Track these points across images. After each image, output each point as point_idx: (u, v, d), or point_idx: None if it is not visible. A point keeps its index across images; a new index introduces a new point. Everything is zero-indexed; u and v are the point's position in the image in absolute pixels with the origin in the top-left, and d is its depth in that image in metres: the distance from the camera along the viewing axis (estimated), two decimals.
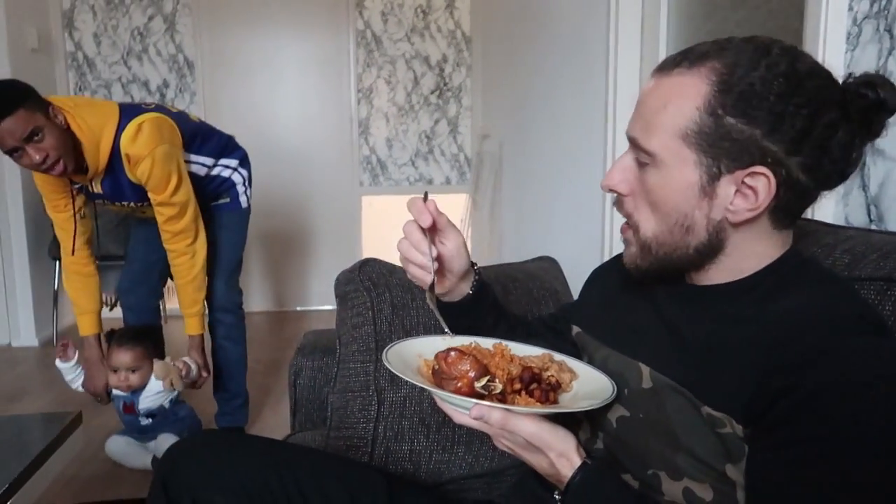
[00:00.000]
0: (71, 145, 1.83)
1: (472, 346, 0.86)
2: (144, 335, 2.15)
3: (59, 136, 1.79)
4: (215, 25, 4.02)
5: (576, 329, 0.94)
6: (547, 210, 3.11)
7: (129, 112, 1.91)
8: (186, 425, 2.21)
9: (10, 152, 1.77)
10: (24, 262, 3.51)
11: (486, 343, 0.88)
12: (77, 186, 2.02)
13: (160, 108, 2.00)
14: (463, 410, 0.72)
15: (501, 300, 1.28)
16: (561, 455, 0.72)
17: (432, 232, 0.87)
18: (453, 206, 4.42)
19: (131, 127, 1.86)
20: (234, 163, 2.25)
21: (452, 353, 0.77)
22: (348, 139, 4.26)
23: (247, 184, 2.31)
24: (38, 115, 1.74)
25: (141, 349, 2.09)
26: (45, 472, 1.20)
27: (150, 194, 1.96)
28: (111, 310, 4.07)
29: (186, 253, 2.06)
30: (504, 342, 0.88)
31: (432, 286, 0.86)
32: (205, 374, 2.20)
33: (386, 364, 0.78)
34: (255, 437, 0.96)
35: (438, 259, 0.88)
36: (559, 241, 2.89)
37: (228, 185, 2.25)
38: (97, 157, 1.88)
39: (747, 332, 0.70)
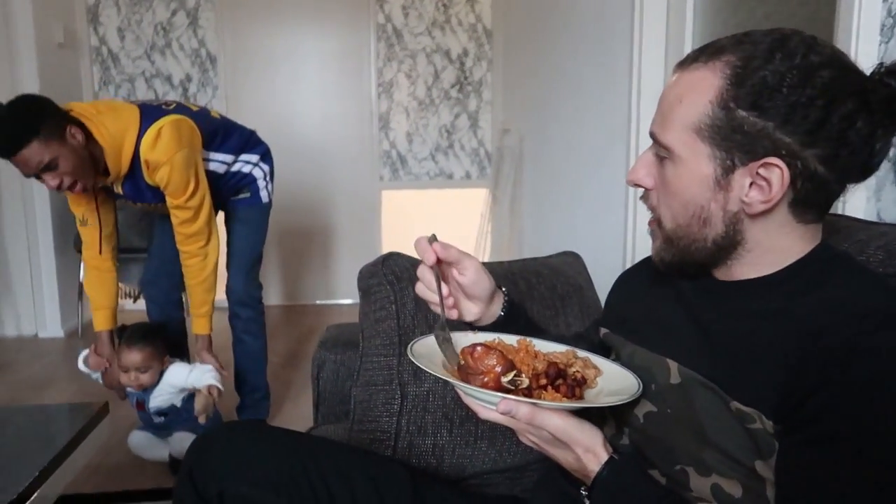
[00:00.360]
0: (89, 162, 1.84)
1: (496, 341, 0.86)
2: (154, 334, 2.12)
3: (75, 159, 1.79)
4: (237, 20, 4.05)
5: (603, 330, 0.94)
6: (568, 205, 3.09)
7: (149, 115, 1.91)
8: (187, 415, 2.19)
9: (29, 176, 1.81)
10: (51, 255, 3.56)
11: (510, 339, 0.88)
12: (102, 186, 2.04)
13: (181, 108, 2.00)
14: (489, 405, 0.72)
15: (525, 296, 1.28)
16: (587, 450, 0.72)
17: (444, 268, 0.89)
18: (473, 201, 4.41)
19: (151, 132, 1.86)
20: (254, 158, 2.26)
21: (478, 349, 0.77)
22: (368, 134, 4.27)
23: (268, 178, 2.32)
24: (53, 144, 1.74)
25: (150, 349, 2.07)
26: (74, 461, 1.21)
27: (167, 197, 1.98)
28: (135, 302, 4.13)
29: (198, 255, 2.08)
30: (528, 338, 0.88)
31: (441, 324, 0.86)
32: (223, 372, 2.18)
33: (411, 358, 0.78)
34: (280, 429, 0.97)
35: (461, 289, 0.90)
36: (581, 237, 2.87)
37: (249, 180, 2.26)
38: (119, 162, 1.89)
39: (777, 326, 0.69)
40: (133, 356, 2.04)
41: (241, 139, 2.22)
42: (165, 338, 2.16)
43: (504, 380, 0.74)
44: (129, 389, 2.14)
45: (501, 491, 1.13)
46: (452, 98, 4.32)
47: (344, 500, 0.89)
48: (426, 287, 0.89)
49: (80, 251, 3.60)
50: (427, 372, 0.76)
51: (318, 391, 1.41)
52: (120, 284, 4.15)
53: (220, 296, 2.40)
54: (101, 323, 2.18)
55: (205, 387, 2.04)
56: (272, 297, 2.38)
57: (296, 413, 2.62)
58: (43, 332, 3.63)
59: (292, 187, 4.15)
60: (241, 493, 0.87)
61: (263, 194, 2.30)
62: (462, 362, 0.79)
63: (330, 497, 0.88)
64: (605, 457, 0.72)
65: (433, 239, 0.88)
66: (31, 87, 3.39)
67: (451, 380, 0.76)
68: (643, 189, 0.82)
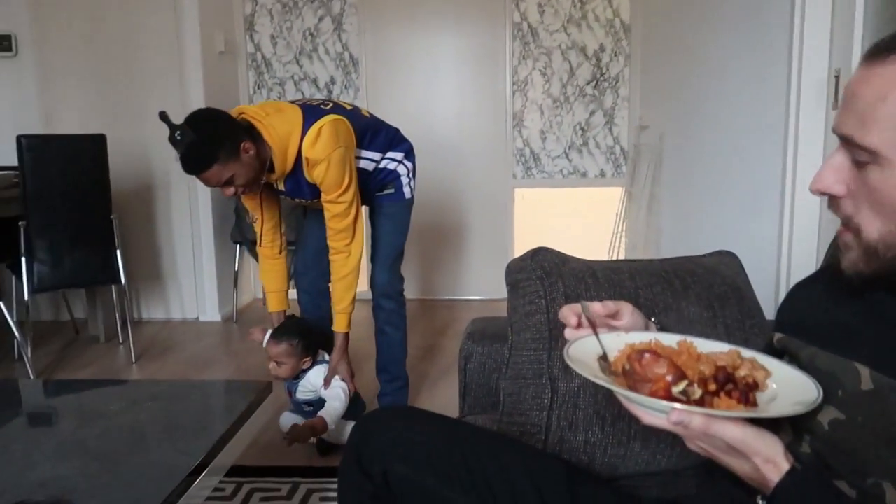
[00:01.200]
0: (259, 168, 2.01)
1: (653, 343, 0.84)
2: (297, 333, 2.20)
3: (248, 172, 1.96)
4: (378, 23, 4.21)
5: (777, 335, 0.88)
6: (714, 205, 2.95)
7: (310, 115, 2.04)
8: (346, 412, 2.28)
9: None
10: (211, 246, 3.88)
11: (669, 339, 0.85)
12: (263, 182, 2.20)
13: (336, 108, 2.13)
14: (660, 414, 0.70)
15: (680, 296, 1.23)
16: (767, 460, 0.69)
17: (598, 324, 0.89)
18: (607, 199, 4.32)
19: (312, 131, 2.00)
20: (399, 155, 2.35)
21: (647, 356, 0.75)
22: (502, 132, 4.29)
23: (411, 175, 2.40)
24: (231, 164, 1.91)
25: (287, 345, 2.16)
26: (244, 434, 1.32)
27: (322, 193, 2.10)
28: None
29: (343, 252, 2.17)
30: (688, 338, 0.85)
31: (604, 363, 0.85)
32: (350, 388, 2.22)
33: (568, 363, 0.78)
34: (439, 415, 1.00)
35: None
36: (727, 238, 2.73)
37: (393, 176, 2.35)
38: (284, 161, 2.04)
39: None
40: (273, 348, 2.17)
41: (387, 137, 2.32)
42: (310, 339, 2.22)
43: (675, 390, 0.72)
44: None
45: (654, 494, 1.10)
46: (588, 95, 4.25)
47: (501, 489, 0.91)
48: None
49: (237, 242, 3.92)
50: (586, 378, 0.75)
51: (464, 382, 1.44)
52: None
53: (364, 288, 2.51)
54: (273, 305, 2.36)
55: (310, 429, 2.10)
56: (408, 290, 2.47)
57: (433, 403, 2.69)
58: (203, 315, 3.97)
59: (427, 184, 4.25)
60: (404, 474, 0.91)
61: (406, 190, 2.38)
62: (627, 367, 0.78)
63: (487, 484, 0.90)
64: (786, 466, 0.68)
65: (584, 309, 0.89)
66: (197, 91, 3.71)
67: (615, 388, 0.74)
68: (830, 196, 0.75)
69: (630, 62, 4.18)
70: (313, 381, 2.20)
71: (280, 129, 2.00)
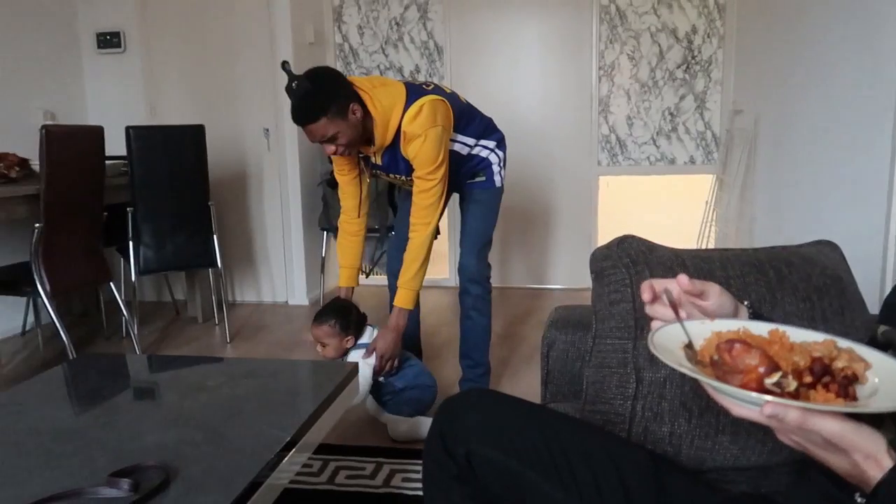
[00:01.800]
0: (361, 134, 2.08)
1: (742, 331, 0.81)
2: (334, 312, 2.25)
3: (352, 133, 2.04)
4: (463, 10, 4.21)
5: (883, 328, 0.83)
6: (812, 193, 2.80)
7: (413, 93, 2.11)
8: (405, 397, 2.30)
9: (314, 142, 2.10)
10: (300, 233, 4.03)
11: (759, 328, 0.82)
12: (362, 156, 2.26)
13: (437, 90, 2.18)
14: (751, 406, 0.68)
15: (776, 287, 1.19)
16: (868, 456, 0.65)
17: (682, 303, 0.85)
18: (697, 187, 4.18)
19: (414, 107, 2.07)
20: (492, 144, 2.38)
21: (737, 345, 0.73)
22: (587, 117, 4.22)
23: (502, 164, 2.42)
24: (338, 121, 1.99)
25: (327, 326, 2.21)
26: (332, 412, 1.38)
27: (415, 168, 2.15)
28: (367, 277, 4.52)
29: (419, 229, 2.21)
30: (781, 327, 0.81)
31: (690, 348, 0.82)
32: (376, 366, 2.21)
33: (653, 351, 0.76)
34: (524, 400, 1.01)
35: (705, 314, 0.86)
36: (827, 228, 2.59)
37: (485, 164, 2.38)
38: (385, 133, 2.11)
39: None
40: (315, 330, 2.25)
41: (481, 124, 2.35)
42: (349, 318, 2.25)
43: (769, 381, 0.69)
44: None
45: (743, 489, 1.07)
46: (678, 79, 4.11)
47: (584, 476, 0.90)
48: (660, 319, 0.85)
49: (324, 229, 4.04)
50: (672, 368, 0.73)
51: (547, 369, 1.44)
52: None
53: (448, 275, 2.55)
54: (344, 280, 2.44)
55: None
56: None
57: (513, 390, 2.67)
58: (292, 299, 4.13)
59: (510, 171, 4.23)
60: (487, 456, 0.93)
61: (497, 178, 2.41)
62: (715, 357, 0.75)
63: (571, 471, 0.90)
64: (889, 463, 0.65)
65: (668, 293, 0.85)
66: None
67: (703, 377, 0.72)
68: None
69: (724, 44, 4.01)
70: (352, 360, 2.23)
71: (384, 101, 2.08)
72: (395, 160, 2.20)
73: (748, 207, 3.59)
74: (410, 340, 2.58)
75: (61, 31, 3.92)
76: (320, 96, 1.97)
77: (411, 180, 2.22)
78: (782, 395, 0.68)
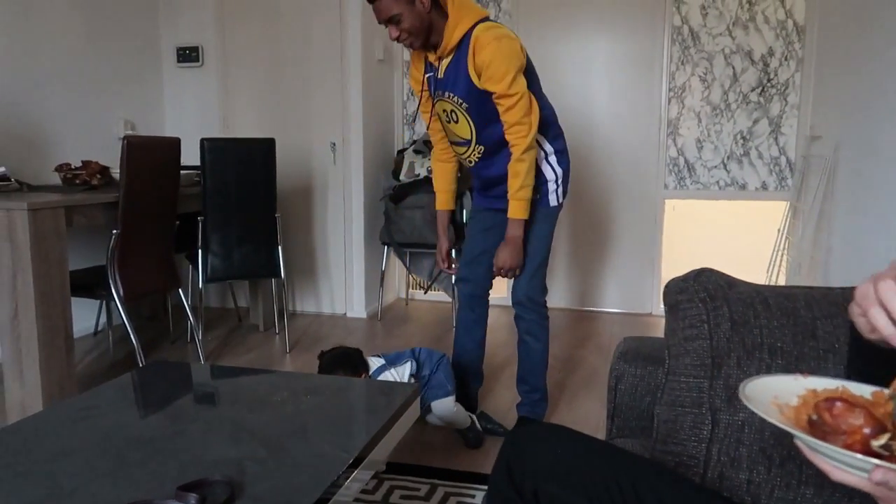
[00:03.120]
0: (426, 27, 2.12)
1: (840, 390, 0.75)
2: (339, 363, 2.18)
3: (416, 21, 2.09)
4: (532, 27, 4.19)
5: None
6: None
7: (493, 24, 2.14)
8: (434, 383, 2.29)
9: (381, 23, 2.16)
10: (361, 246, 4.07)
11: (857, 388, 0.76)
12: (428, 76, 2.26)
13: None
14: (854, 471, 0.63)
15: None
16: None
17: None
18: (768, 214, 4.03)
19: (489, 22, 2.13)
20: (549, 149, 2.31)
21: (838, 404, 0.68)
22: (655, 140, 4.13)
23: (559, 182, 2.33)
24: (402, 4, 2.06)
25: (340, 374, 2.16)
26: (396, 431, 1.37)
27: (488, 86, 2.10)
28: (426, 293, 4.53)
29: (516, 142, 2.16)
30: (883, 389, 0.76)
31: None
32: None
33: (746, 403, 0.72)
34: (595, 439, 0.97)
35: None
36: None
37: (541, 181, 2.30)
38: (452, 33, 2.12)
39: None
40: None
41: (547, 119, 2.30)
42: (351, 363, 2.20)
43: (875, 444, 0.64)
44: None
45: None
46: (752, 102, 3.98)
47: None
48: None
49: (385, 244, 4.07)
50: (761, 418, 0.69)
51: (614, 402, 1.40)
52: (412, 276, 4.58)
53: (502, 294, 2.50)
54: (441, 203, 2.55)
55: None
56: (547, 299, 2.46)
57: (572, 416, 2.64)
58: (350, 311, 4.17)
59: (573, 190, 4.19)
60: (557, 495, 0.90)
61: (552, 198, 2.32)
62: (814, 417, 0.70)
63: None
64: None
65: None
66: (356, 98, 3.91)
67: (804, 436, 0.67)
68: None
69: (802, 67, 3.87)
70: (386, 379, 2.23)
71: (463, 6, 2.12)
72: (457, 75, 2.16)
73: (824, 237, 3.44)
74: (472, 364, 2.55)
75: (144, 46, 4.09)
76: None
77: (465, 107, 2.17)
78: (891, 458, 0.63)
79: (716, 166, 4.09)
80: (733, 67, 3.98)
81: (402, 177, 3.97)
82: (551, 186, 2.32)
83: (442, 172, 2.53)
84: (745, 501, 1.04)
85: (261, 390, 1.54)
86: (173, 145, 2.87)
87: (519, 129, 2.15)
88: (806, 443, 0.67)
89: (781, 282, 3.85)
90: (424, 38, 2.15)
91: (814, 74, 3.80)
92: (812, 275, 3.54)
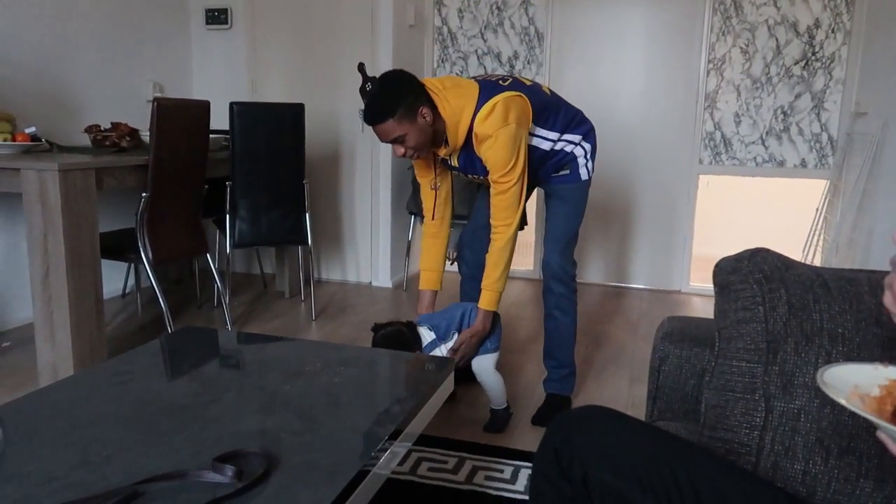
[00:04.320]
0: (431, 137, 2.05)
1: None
2: (394, 342, 2.12)
3: (421, 136, 2.01)
4: None
5: None
6: None
7: (487, 92, 2.04)
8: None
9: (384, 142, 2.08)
10: (388, 215, 4.03)
11: None
12: (441, 158, 2.22)
13: (516, 84, 2.10)
14: None
15: None
16: None
17: None
18: (807, 192, 3.92)
19: (486, 108, 2.01)
20: (577, 138, 2.26)
21: None
22: (692, 113, 4.01)
23: (588, 156, 2.30)
24: (405, 124, 1.98)
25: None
26: (432, 405, 1.34)
27: (487, 167, 2.08)
28: (451, 264, 4.49)
29: (499, 231, 2.14)
30: None
31: None
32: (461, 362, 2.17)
33: (827, 392, 0.67)
34: (645, 423, 0.93)
35: None
36: None
37: (569, 158, 2.27)
38: (456, 135, 2.07)
39: None
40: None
41: (566, 117, 2.24)
42: (407, 345, 2.14)
43: None
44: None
45: None
46: (795, 76, 3.84)
47: None
48: None
49: (412, 213, 4.03)
50: (854, 412, 0.64)
51: (657, 384, 1.35)
52: None
53: (533, 267, 2.46)
54: (424, 283, 2.38)
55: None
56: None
57: (601, 392, 2.61)
58: (376, 281, 4.15)
59: (605, 164, 4.11)
60: (606, 481, 0.86)
61: (583, 171, 2.30)
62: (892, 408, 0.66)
63: None
64: None
65: None
66: (386, 63, 3.83)
67: (889, 426, 0.63)
68: None
69: (850, 40, 3.72)
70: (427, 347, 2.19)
71: (455, 102, 2.03)
72: (472, 161, 2.14)
73: (866, 218, 3.33)
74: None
75: (173, 7, 4.04)
76: (388, 98, 1.97)
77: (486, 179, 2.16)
78: None
79: (753, 142, 3.96)
80: (776, 39, 3.83)
81: None
82: (581, 161, 2.30)
83: (432, 250, 2.38)
84: (800, 493, 1.00)
85: (293, 360, 1.51)
86: (203, 108, 2.84)
87: (507, 215, 2.12)
88: (892, 434, 0.63)
89: (817, 262, 3.75)
90: (431, 147, 2.10)
91: (862, 48, 3.65)
92: (850, 256, 3.44)
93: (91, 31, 3.49)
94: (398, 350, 2.06)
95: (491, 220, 2.17)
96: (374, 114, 1.99)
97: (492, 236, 2.18)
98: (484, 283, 2.19)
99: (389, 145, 2.12)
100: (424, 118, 2.00)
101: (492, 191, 2.13)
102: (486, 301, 2.18)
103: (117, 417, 1.17)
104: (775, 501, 0.84)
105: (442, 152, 2.16)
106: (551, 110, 2.20)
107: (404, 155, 2.07)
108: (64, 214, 2.32)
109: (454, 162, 2.20)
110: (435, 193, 2.33)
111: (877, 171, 3.25)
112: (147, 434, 1.11)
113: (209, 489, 0.93)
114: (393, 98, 1.98)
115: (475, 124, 2.03)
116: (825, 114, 3.83)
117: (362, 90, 2.01)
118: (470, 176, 2.25)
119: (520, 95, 2.06)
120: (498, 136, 2.00)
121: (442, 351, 2.21)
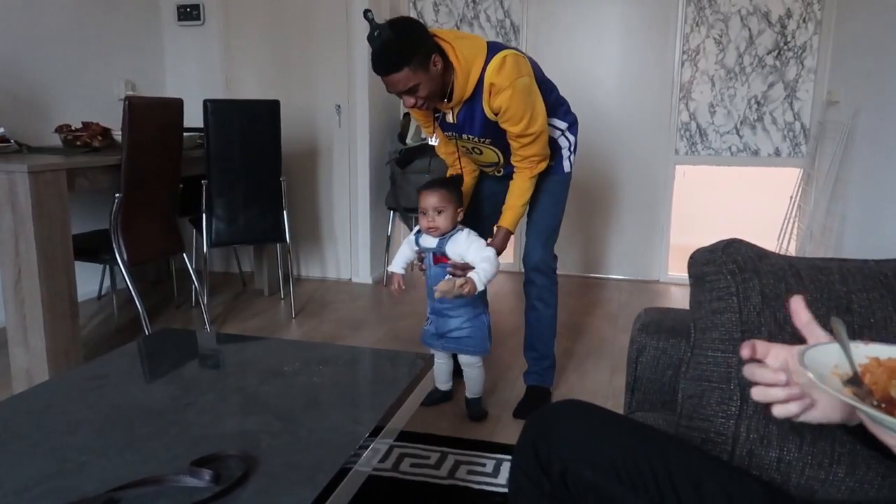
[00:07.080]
0: (441, 87, 2.02)
1: None
2: (450, 183, 2.16)
3: (433, 86, 1.98)
4: None
5: None
6: None
7: (494, 46, 2.05)
8: (469, 332, 2.21)
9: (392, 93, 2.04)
10: (367, 212, 4.02)
11: None
12: (438, 115, 2.20)
13: (518, 50, 2.11)
14: None
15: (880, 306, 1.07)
16: None
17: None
18: (781, 181, 3.96)
19: (497, 59, 1.99)
20: (563, 125, 2.28)
21: None
22: (667, 104, 4.04)
23: (571, 149, 2.33)
24: (420, 73, 1.92)
25: (446, 192, 2.10)
26: (412, 402, 1.34)
27: (506, 126, 2.06)
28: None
29: (533, 161, 2.14)
30: None
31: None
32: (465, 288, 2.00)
33: (805, 373, 0.67)
34: (624, 417, 0.94)
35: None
36: None
37: (554, 148, 2.27)
38: (465, 85, 2.04)
39: None
40: (430, 198, 2.08)
41: (556, 101, 2.27)
42: (460, 188, 2.19)
43: None
44: (426, 245, 2.15)
45: None
46: (767, 66, 3.88)
47: None
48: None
49: (391, 209, 4.01)
50: (831, 393, 0.64)
51: (634, 375, 1.36)
52: None
53: (513, 260, 2.47)
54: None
55: (462, 279, 1.98)
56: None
57: (581, 384, 2.62)
58: (356, 277, 4.13)
59: (582, 156, 4.11)
60: (585, 476, 0.86)
61: (566, 164, 2.32)
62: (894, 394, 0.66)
63: (678, 500, 0.83)
64: None
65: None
66: (362, 60, 3.79)
67: (869, 409, 0.63)
68: None
69: (821, 29, 3.76)
70: (463, 241, 2.11)
71: (466, 52, 2.01)
72: (472, 117, 2.11)
73: (838, 206, 3.38)
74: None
75: (143, 3, 3.98)
76: (403, 46, 1.89)
77: (484, 143, 2.15)
78: None
79: (728, 131, 4.00)
80: (749, 29, 3.87)
81: (408, 140, 3.89)
82: (565, 153, 2.33)
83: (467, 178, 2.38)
84: (775, 479, 1.01)
85: (272, 360, 1.50)
86: (176, 106, 2.80)
87: (534, 159, 2.14)
88: (872, 417, 0.63)
89: (792, 250, 3.80)
90: (441, 98, 2.06)
91: (833, 38, 3.69)
92: (824, 242, 3.50)
93: (60, 28, 3.43)
94: (449, 192, 2.10)
95: (519, 163, 2.14)
96: (388, 63, 1.91)
97: (521, 165, 2.15)
98: (509, 203, 2.18)
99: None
100: (436, 66, 1.96)
101: (515, 144, 2.10)
102: (509, 220, 2.19)
103: (93, 423, 1.16)
104: (750, 490, 0.85)
105: (443, 107, 2.13)
106: (546, 87, 2.20)
107: (414, 105, 2.03)
108: (35, 217, 2.28)
109: (452, 118, 2.16)
110: (458, 149, 2.29)
111: (848, 158, 3.30)
112: (124, 439, 1.09)
113: (186, 494, 0.92)
114: (407, 46, 1.90)
115: (488, 75, 2.00)
116: (798, 103, 3.88)
117: (370, 38, 1.90)
118: (465, 137, 2.18)
119: (525, 55, 2.09)
120: (515, 85, 1.99)
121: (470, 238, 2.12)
